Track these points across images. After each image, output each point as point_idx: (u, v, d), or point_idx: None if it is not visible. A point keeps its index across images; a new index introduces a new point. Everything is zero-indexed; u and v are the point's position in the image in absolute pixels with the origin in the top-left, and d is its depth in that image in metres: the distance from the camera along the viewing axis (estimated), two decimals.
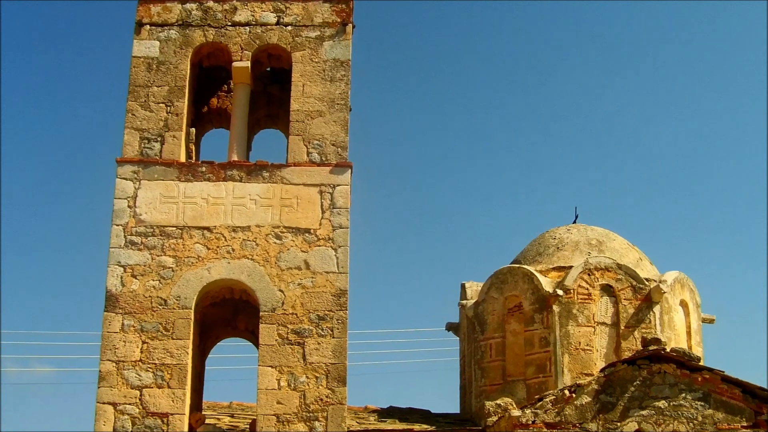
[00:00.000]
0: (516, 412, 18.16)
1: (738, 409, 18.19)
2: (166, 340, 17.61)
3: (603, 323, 21.35)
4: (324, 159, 18.72)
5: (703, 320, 23.09)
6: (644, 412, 18.05)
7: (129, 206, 18.20)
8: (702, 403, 18.14)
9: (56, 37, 57.73)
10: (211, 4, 19.59)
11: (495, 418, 19.85)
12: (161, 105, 18.85)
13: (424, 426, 20.64)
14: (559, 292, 21.20)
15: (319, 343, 17.73)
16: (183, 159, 18.74)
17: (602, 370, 18.54)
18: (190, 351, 17.66)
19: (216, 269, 18.01)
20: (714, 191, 57.24)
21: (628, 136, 58.35)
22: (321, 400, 17.48)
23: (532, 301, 21.61)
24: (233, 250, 18.08)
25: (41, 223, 56.38)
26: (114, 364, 17.45)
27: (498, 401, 20.42)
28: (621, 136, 58.50)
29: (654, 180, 57.07)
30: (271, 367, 17.60)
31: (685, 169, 57.65)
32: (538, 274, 21.80)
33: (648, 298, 21.37)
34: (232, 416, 21.05)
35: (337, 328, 17.83)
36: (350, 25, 19.59)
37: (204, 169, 18.58)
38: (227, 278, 18.06)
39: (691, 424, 18.01)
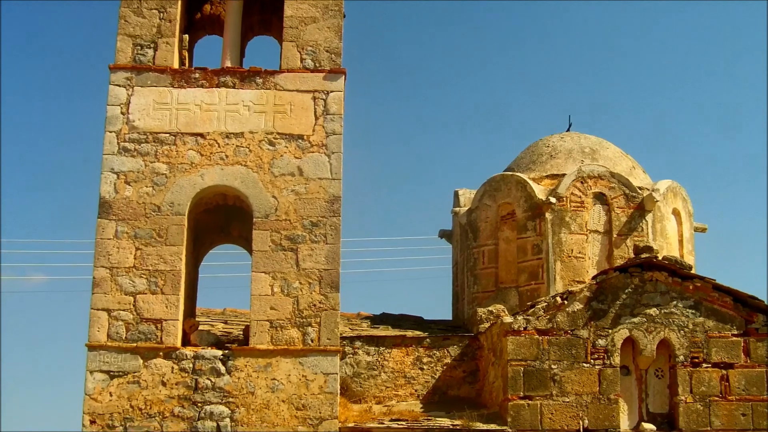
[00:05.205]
0: (508, 319, 18.29)
1: (728, 317, 18.33)
2: (160, 246, 17.63)
3: (595, 231, 21.44)
4: (317, 65, 18.60)
5: (695, 229, 23.19)
6: (635, 320, 18.18)
7: (122, 113, 18.10)
8: (693, 311, 18.28)
9: None
10: None
11: (487, 325, 20.02)
12: (154, 11, 18.66)
13: (417, 332, 20.78)
14: (552, 199, 21.24)
15: (312, 249, 17.76)
16: (176, 65, 18.61)
17: (594, 278, 18.65)
18: (183, 257, 17.69)
19: (209, 175, 17.97)
20: (708, 100, 57.13)
21: (621, 43, 58.11)
22: (314, 305, 17.55)
23: (525, 208, 21.67)
24: (226, 156, 18.03)
25: (33, 130, 56.19)
26: (108, 271, 17.48)
27: (490, 308, 20.59)
28: (615, 43, 58.26)
29: (648, 88, 56.95)
30: (265, 273, 17.65)
31: (679, 77, 57.49)
32: (531, 182, 21.84)
33: (640, 207, 21.44)
34: (225, 323, 21.17)
35: (330, 235, 17.85)
36: None
37: (197, 75, 18.46)
38: (220, 184, 18.03)
39: (681, 331, 18.16)
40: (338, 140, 18.24)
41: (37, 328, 53.27)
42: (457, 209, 23.50)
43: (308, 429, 17.04)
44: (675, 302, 18.31)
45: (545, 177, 22.29)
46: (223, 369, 17.18)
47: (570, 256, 21.16)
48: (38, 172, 55.98)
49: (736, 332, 18.34)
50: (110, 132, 18.01)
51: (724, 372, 18.20)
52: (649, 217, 21.47)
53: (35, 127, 56.42)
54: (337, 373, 17.37)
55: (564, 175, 21.79)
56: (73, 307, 49.81)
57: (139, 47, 18.47)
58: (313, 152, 18.14)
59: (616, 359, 18.05)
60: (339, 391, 17.52)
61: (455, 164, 54.29)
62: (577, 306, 18.20)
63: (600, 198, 21.56)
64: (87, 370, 17.10)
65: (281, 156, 18.08)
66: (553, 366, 17.95)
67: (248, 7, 20.09)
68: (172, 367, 17.17)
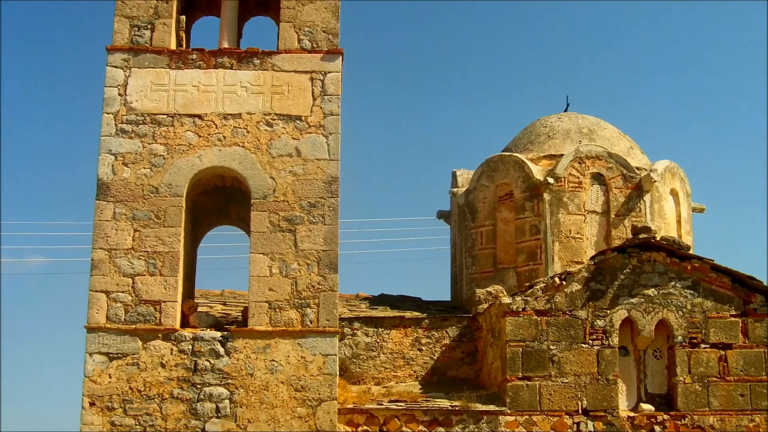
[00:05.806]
0: (506, 300, 18.30)
1: (727, 297, 18.35)
2: (158, 227, 17.61)
3: (593, 211, 21.45)
4: (315, 46, 18.55)
5: (693, 209, 23.21)
6: (634, 300, 18.19)
7: (119, 94, 18.05)
8: (691, 292, 18.29)
9: None
10: None
11: (485, 306, 20.03)
12: None
13: (416, 313, 20.80)
14: (550, 180, 21.24)
15: (310, 230, 17.74)
16: (173, 46, 18.55)
17: (592, 258, 18.66)
18: (181, 239, 17.68)
19: (207, 157, 17.94)
20: (707, 80, 57.07)
21: (620, 23, 57.99)
22: (312, 286, 17.54)
23: (523, 189, 21.66)
24: (224, 137, 18.00)
25: (31, 113, 56.09)
26: (106, 253, 17.46)
27: (489, 289, 20.61)
28: (613, 22, 58.14)
29: (646, 68, 56.90)
30: (263, 254, 17.63)
31: (677, 57, 57.40)
32: (528, 162, 21.82)
33: (638, 187, 21.45)
34: (224, 304, 21.17)
35: (329, 215, 17.83)
36: None
37: (194, 56, 18.41)
38: (218, 166, 18.00)
39: (680, 312, 18.17)
40: (336, 121, 18.20)
41: (37, 310, 53.36)
42: (455, 190, 23.49)
43: (307, 410, 17.07)
44: (673, 283, 18.33)
45: (543, 157, 22.28)
46: (222, 350, 17.19)
47: (568, 237, 21.17)
48: (36, 154, 55.93)
49: (734, 313, 18.37)
50: (108, 113, 17.97)
51: (722, 352, 18.23)
52: (647, 197, 21.47)
53: (33, 109, 56.36)
54: (335, 354, 17.37)
55: (562, 155, 21.79)
56: (72, 289, 49.99)
57: (137, 28, 18.42)
58: (310, 133, 18.12)
59: (615, 340, 18.07)
60: (338, 372, 17.54)
61: (453, 145, 54.37)
62: (576, 287, 18.21)
63: (598, 178, 21.56)
64: (86, 352, 17.10)
65: (279, 137, 18.05)
66: (551, 347, 17.97)
67: None
68: (171, 349, 17.18)
